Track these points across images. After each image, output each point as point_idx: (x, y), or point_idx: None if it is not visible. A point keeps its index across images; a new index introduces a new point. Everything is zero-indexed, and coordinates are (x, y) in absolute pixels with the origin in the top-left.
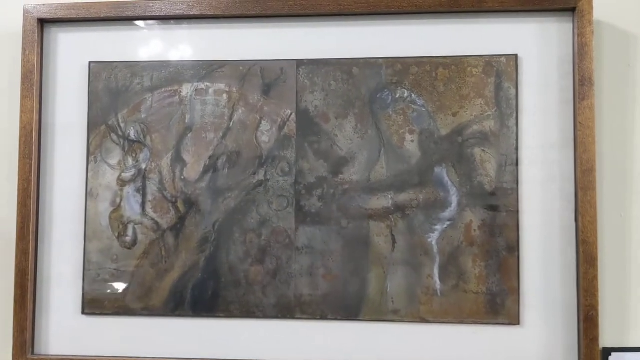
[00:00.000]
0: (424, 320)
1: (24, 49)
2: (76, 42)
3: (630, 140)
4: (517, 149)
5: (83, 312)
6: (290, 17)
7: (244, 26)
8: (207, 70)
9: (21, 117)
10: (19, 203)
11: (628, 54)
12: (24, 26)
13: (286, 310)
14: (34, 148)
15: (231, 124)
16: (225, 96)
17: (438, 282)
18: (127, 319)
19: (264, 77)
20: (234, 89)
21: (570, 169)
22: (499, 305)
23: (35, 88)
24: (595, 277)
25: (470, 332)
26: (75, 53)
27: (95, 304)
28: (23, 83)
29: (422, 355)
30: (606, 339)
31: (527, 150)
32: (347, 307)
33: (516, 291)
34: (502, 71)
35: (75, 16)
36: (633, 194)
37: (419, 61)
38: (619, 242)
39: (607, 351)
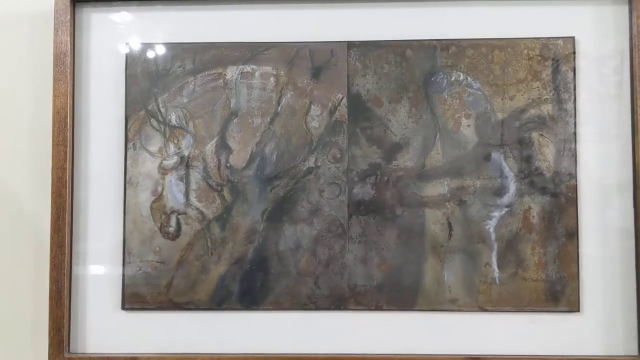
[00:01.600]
0: (482, 309)
1: (55, 30)
2: (111, 23)
3: None
4: (575, 133)
5: (123, 308)
6: None
7: (292, 6)
8: (253, 52)
9: (54, 101)
10: (53, 193)
11: None
12: (55, 5)
13: (340, 301)
14: (69, 134)
15: (279, 108)
16: (272, 79)
17: (496, 270)
18: (171, 314)
19: (314, 60)
20: (282, 72)
21: (628, 155)
22: (559, 292)
23: (68, 71)
24: None
25: (529, 321)
26: (111, 35)
27: (136, 299)
28: (55, 65)
29: (481, 344)
30: None
31: (585, 135)
32: (403, 297)
33: (576, 278)
34: (559, 54)
35: None
36: None
37: (475, 43)
38: None
39: None
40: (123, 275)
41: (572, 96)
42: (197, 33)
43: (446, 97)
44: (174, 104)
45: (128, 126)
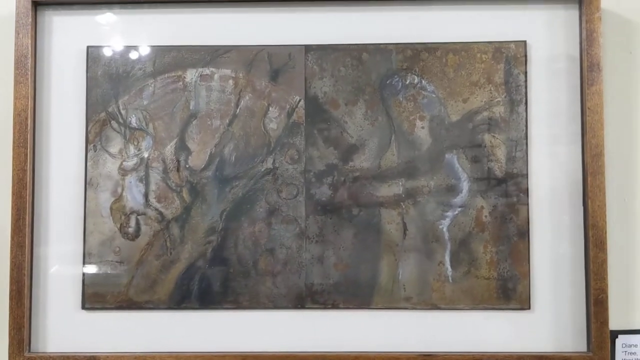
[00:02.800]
0: (436, 307)
1: (17, 32)
2: (72, 26)
3: (635, 125)
4: (526, 134)
5: (83, 307)
6: (299, 0)
7: (251, 10)
8: (212, 55)
9: (15, 103)
10: (13, 194)
11: (630, 41)
12: (17, 8)
13: (297, 300)
14: (29, 136)
15: (238, 110)
16: (231, 82)
17: (449, 268)
18: (131, 313)
19: (272, 63)
20: (241, 75)
21: (578, 154)
22: (510, 290)
23: (29, 73)
24: (604, 261)
25: (482, 318)
26: (71, 37)
27: (96, 298)
28: (16, 68)
29: (434, 341)
30: (613, 322)
31: (536, 136)
32: (359, 296)
33: (527, 276)
34: (511, 57)
35: None
36: (638, 179)
37: (429, 47)
38: (623, 226)
39: (615, 333)
40: (83, 275)
41: (524, 99)
42: (158, 36)
43: (401, 99)
44: (134, 106)
45: (89, 128)
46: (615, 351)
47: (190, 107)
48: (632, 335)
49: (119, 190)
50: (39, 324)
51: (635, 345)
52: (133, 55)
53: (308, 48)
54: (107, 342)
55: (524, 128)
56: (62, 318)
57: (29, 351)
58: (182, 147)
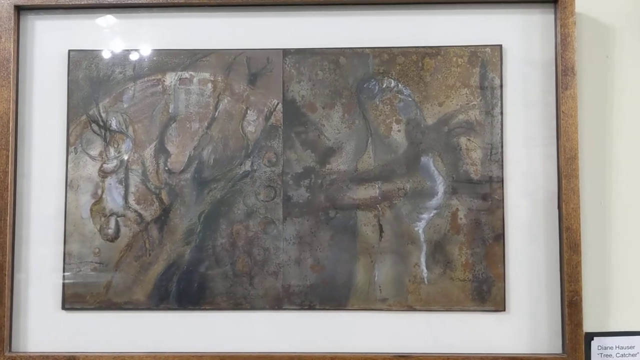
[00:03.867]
0: (411, 309)
1: None
2: (54, 30)
3: (610, 129)
4: (502, 137)
5: (63, 307)
6: (277, 5)
7: (229, 14)
8: (192, 59)
9: None
10: None
11: (606, 45)
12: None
13: (274, 301)
14: (11, 139)
15: (216, 113)
16: (210, 85)
17: (425, 270)
18: (110, 314)
19: (250, 67)
20: (219, 78)
21: (553, 157)
22: (485, 292)
23: (11, 77)
24: (578, 263)
25: (457, 319)
26: (53, 41)
27: (76, 299)
28: None
29: (410, 343)
30: (588, 324)
31: (511, 139)
32: (335, 297)
33: (502, 278)
34: (486, 61)
35: (53, 3)
36: (612, 182)
37: (406, 51)
38: (599, 229)
39: (590, 336)
40: (63, 276)
41: (499, 102)
42: (138, 40)
43: (378, 103)
44: (115, 109)
45: (69, 131)
46: (591, 353)
47: (170, 110)
48: (607, 338)
49: (99, 192)
50: (20, 324)
51: (611, 348)
52: (113, 59)
53: (286, 52)
54: (86, 342)
55: (500, 131)
56: (42, 318)
57: (10, 351)
58: (162, 149)
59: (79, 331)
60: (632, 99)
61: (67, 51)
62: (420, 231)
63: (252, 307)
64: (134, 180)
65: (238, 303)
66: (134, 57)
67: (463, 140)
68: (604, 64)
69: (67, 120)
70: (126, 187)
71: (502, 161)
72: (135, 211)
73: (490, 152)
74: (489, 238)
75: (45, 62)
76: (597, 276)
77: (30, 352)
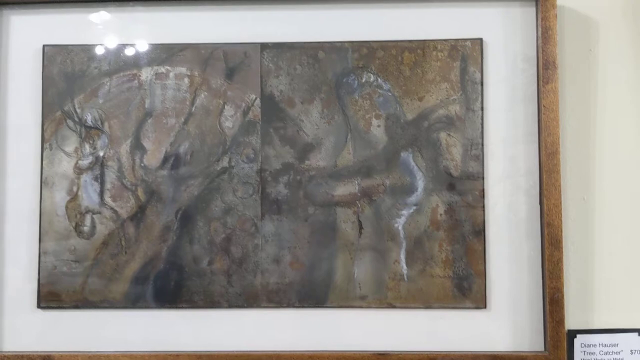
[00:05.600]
0: (391, 306)
1: None
2: (29, 25)
3: (593, 124)
4: (482, 133)
5: (39, 306)
6: None
7: (206, 8)
8: (168, 53)
9: None
10: None
11: (589, 38)
12: None
13: (252, 299)
14: None
15: (193, 109)
16: (186, 80)
17: (405, 267)
18: (86, 312)
19: (227, 61)
20: (196, 73)
21: (534, 153)
22: (466, 289)
23: None
24: (560, 260)
25: (437, 317)
26: (28, 36)
27: (51, 298)
28: None
29: (390, 341)
30: (571, 322)
31: (492, 134)
32: (315, 295)
33: (483, 275)
34: (467, 55)
35: None
36: (596, 177)
37: (385, 45)
38: (582, 225)
39: (573, 333)
40: (39, 274)
41: (480, 97)
42: (113, 34)
43: (357, 98)
44: (90, 104)
45: (44, 127)
46: (574, 351)
47: (146, 106)
48: (590, 335)
49: (75, 189)
50: None
51: (594, 345)
52: (89, 54)
53: (264, 46)
54: (62, 341)
55: (480, 126)
56: (18, 317)
57: None
58: (138, 145)
59: (55, 330)
60: (615, 93)
61: (41, 46)
62: (400, 227)
63: (230, 306)
64: (110, 176)
65: (216, 301)
66: (109, 51)
67: (443, 135)
68: (586, 58)
69: (42, 116)
70: (102, 184)
71: (483, 157)
72: (111, 208)
73: (471, 148)
74: (469, 234)
75: (19, 57)
76: (580, 273)
77: (5, 352)
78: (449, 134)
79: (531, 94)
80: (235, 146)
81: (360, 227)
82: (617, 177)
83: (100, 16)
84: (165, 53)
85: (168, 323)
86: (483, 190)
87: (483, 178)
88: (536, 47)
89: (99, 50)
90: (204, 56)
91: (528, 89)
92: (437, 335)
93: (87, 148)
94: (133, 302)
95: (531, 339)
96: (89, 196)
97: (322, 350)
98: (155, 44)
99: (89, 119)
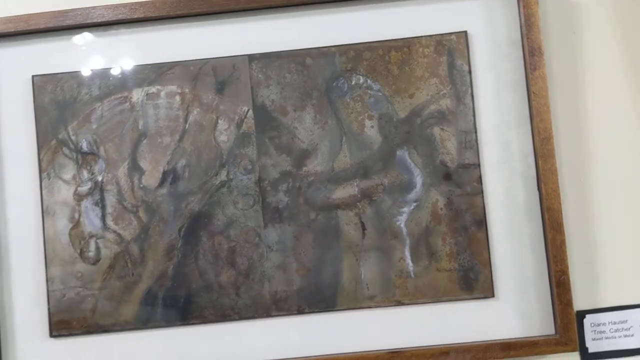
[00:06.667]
0: (400, 303)
1: None
2: (16, 57)
3: (583, 106)
4: (475, 124)
5: (51, 335)
6: (238, 12)
7: (190, 25)
8: (157, 73)
9: None
10: None
11: (572, 21)
12: None
13: (262, 309)
14: None
15: (187, 125)
16: (178, 98)
17: (410, 263)
18: (98, 337)
19: (217, 75)
20: (187, 90)
21: (528, 139)
22: (472, 280)
23: None
24: (563, 243)
25: (446, 310)
26: (16, 68)
27: (63, 325)
28: None
29: (401, 338)
30: (580, 302)
31: (485, 125)
32: (323, 299)
33: (488, 264)
34: (453, 49)
35: (13, 30)
36: (590, 158)
37: (371, 46)
38: (581, 206)
39: (582, 314)
40: (48, 303)
41: (469, 88)
42: (100, 59)
43: (348, 100)
44: (84, 130)
45: (41, 156)
46: (585, 331)
47: (140, 127)
48: (599, 314)
49: (76, 215)
50: (9, 356)
51: (604, 324)
52: (78, 80)
53: (251, 57)
54: None
55: (472, 118)
56: (31, 348)
57: None
58: (135, 167)
59: (69, 358)
60: (602, 73)
61: (30, 77)
62: (402, 225)
63: (241, 317)
64: (110, 200)
65: (226, 315)
66: (98, 76)
67: (436, 130)
68: (571, 41)
69: (38, 146)
70: (103, 208)
71: (478, 147)
72: (114, 231)
73: (465, 139)
74: (471, 225)
75: (9, 89)
76: (584, 253)
77: None
78: (442, 128)
79: (520, 82)
80: (232, 159)
81: (363, 228)
82: (610, 157)
83: (85, 41)
84: (154, 73)
85: (180, 340)
86: (481, 180)
87: (479, 168)
88: (520, 35)
89: (88, 76)
90: (193, 72)
91: (517, 77)
92: (447, 329)
93: (85, 174)
94: (144, 322)
95: (541, 324)
96: (91, 221)
97: (336, 354)
98: (143, 65)
99: (84, 145)
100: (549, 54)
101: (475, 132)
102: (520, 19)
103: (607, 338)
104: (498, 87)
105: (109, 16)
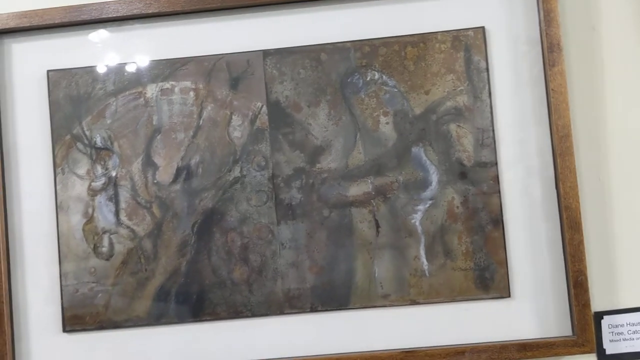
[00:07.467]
0: (414, 302)
1: None
2: (31, 52)
3: (602, 103)
4: (492, 121)
5: (64, 330)
6: (252, 7)
7: (204, 20)
8: (171, 68)
9: None
10: None
11: (591, 17)
12: None
13: (275, 306)
14: None
15: (201, 121)
16: (192, 94)
17: (425, 262)
18: (111, 333)
19: (231, 71)
20: (201, 86)
21: (546, 137)
22: (488, 279)
23: None
24: (581, 242)
25: (461, 310)
26: (31, 63)
27: (76, 321)
28: None
29: (416, 337)
30: (597, 303)
31: (502, 122)
32: (337, 297)
33: (504, 264)
34: (470, 45)
35: (28, 24)
36: (609, 157)
37: (387, 41)
38: (599, 205)
39: (599, 315)
40: (62, 298)
41: (487, 85)
42: (115, 54)
43: (363, 96)
44: (98, 126)
45: (55, 152)
46: (602, 333)
47: (154, 122)
48: (617, 315)
49: (90, 211)
50: (22, 351)
51: (622, 325)
52: (92, 76)
53: (266, 53)
54: None
55: (490, 115)
56: (45, 342)
57: None
58: (149, 162)
59: (82, 352)
60: (622, 69)
61: (45, 72)
62: (417, 223)
63: (253, 315)
64: (124, 196)
65: (239, 311)
66: (113, 71)
67: (453, 127)
68: (590, 37)
69: (52, 141)
70: (116, 204)
71: (495, 145)
72: (128, 227)
73: (482, 137)
74: (487, 224)
75: (25, 84)
76: (602, 254)
77: None
78: (458, 125)
79: (538, 78)
80: (246, 155)
81: (377, 226)
82: (630, 155)
83: (100, 36)
84: (169, 68)
85: (193, 337)
86: (498, 178)
87: (497, 166)
88: (539, 30)
89: (103, 71)
90: (207, 68)
91: (535, 74)
92: (463, 329)
93: (99, 169)
94: (157, 318)
95: (558, 324)
96: (105, 217)
97: (349, 352)
98: (158, 60)
99: (98, 140)
100: (568, 51)
101: (493, 129)
102: (539, 15)
103: (625, 340)
104: (516, 83)
105: (123, 11)
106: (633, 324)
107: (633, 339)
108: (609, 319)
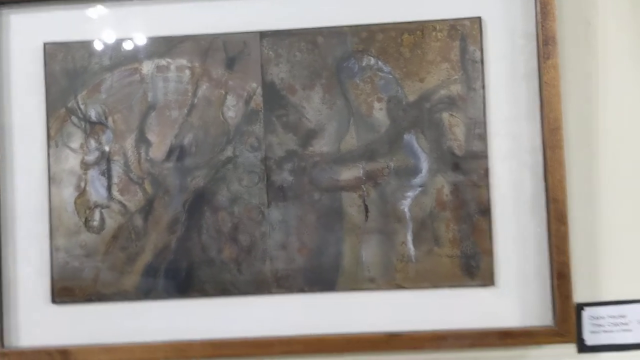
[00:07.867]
0: (400, 287)
1: None
2: (28, 23)
3: (595, 97)
4: (484, 111)
5: (53, 301)
6: None
7: None
8: (168, 46)
9: None
10: None
11: (588, 11)
12: None
13: (262, 285)
14: None
15: (195, 100)
16: (187, 72)
17: (412, 248)
18: (99, 305)
19: (227, 51)
20: (197, 64)
21: (537, 129)
22: (474, 267)
23: None
24: (566, 235)
25: (446, 296)
26: (28, 34)
27: (65, 292)
28: None
29: (400, 321)
30: (579, 295)
31: (494, 113)
32: (324, 279)
33: (490, 253)
34: (466, 34)
35: None
36: (599, 152)
37: (384, 27)
38: (586, 199)
39: (581, 306)
40: (51, 270)
41: (481, 75)
42: (112, 29)
43: (358, 82)
44: (93, 100)
45: (49, 124)
46: (583, 324)
47: (148, 99)
48: (598, 308)
49: (82, 184)
50: (11, 320)
51: (602, 317)
52: (89, 50)
53: (263, 34)
54: (77, 334)
55: (482, 105)
56: (33, 313)
57: (3, 346)
58: (142, 139)
59: (70, 324)
60: (616, 65)
61: (42, 44)
62: (406, 209)
63: (241, 293)
64: (117, 171)
65: (227, 290)
66: (109, 47)
67: (445, 115)
68: (585, 31)
69: (47, 114)
70: (109, 179)
71: (486, 135)
72: (119, 202)
73: (474, 127)
74: (475, 213)
75: (21, 56)
76: (586, 247)
77: (22, 347)
78: (451, 114)
79: (532, 71)
80: (239, 136)
81: (367, 211)
82: (620, 151)
83: (98, 11)
84: (165, 46)
85: (181, 312)
86: (487, 168)
87: (487, 156)
88: (535, 23)
89: (99, 46)
90: (204, 47)
91: (529, 66)
92: (446, 314)
93: (93, 143)
94: (145, 293)
95: (539, 314)
96: (97, 191)
97: (333, 334)
98: (155, 37)
99: (92, 114)
100: (563, 45)
101: (485, 120)
102: (535, 7)
103: (605, 332)
104: (510, 75)
105: None
106: (613, 317)
107: (612, 331)
108: (590, 311)
